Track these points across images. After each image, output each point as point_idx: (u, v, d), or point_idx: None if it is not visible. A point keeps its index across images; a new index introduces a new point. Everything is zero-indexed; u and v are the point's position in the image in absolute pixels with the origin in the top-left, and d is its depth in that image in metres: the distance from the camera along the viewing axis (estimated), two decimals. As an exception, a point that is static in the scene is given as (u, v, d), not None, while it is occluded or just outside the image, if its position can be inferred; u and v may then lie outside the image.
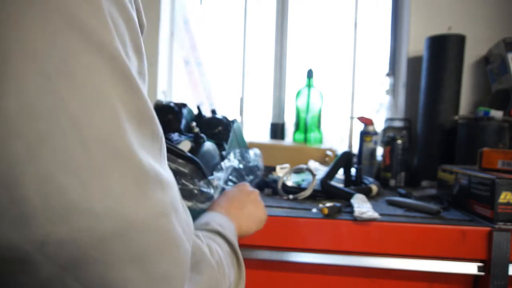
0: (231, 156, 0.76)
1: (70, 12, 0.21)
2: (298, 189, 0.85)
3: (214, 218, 0.51)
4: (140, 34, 0.27)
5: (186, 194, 0.62)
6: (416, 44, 1.21)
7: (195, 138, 0.72)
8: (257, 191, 0.63)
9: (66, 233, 0.20)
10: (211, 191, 0.62)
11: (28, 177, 0.19)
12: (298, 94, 1.24)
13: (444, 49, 1.02)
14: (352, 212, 0.69)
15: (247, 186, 0.63)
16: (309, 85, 1.22)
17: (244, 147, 0.94)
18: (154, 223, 0.22)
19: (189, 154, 0.63)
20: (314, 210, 0.73)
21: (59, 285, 0.21)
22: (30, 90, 0.19)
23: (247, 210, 0.58)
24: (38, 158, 0.19)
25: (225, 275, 0.38)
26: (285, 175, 0.90)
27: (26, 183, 0.19)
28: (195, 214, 0.62)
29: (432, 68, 1.05)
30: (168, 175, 0.26)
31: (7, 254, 0.20)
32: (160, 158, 0.26)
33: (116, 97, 0.22)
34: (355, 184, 0.94)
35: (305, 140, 1.23)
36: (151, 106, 0.26)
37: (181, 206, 0.27)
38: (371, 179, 0.96)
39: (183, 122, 0.88)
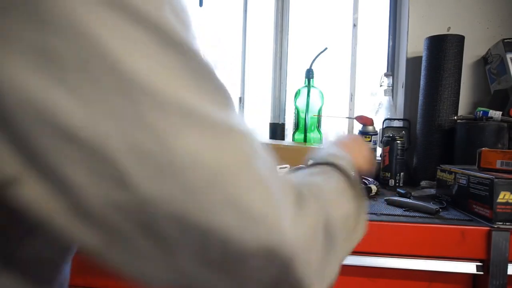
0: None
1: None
2: (297, 189, 0.85)
3: (328, 149, 0.47)
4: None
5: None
6: (415, 44, 1.21)
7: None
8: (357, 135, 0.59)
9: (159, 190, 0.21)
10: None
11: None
12: (297, 93, 1.24)
13: (443, 49, 1.02)
14: (351, 212, 0.69)
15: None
16: (308, 85, 1.22)
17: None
18: (238, 167, 0.23)
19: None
20: (314, 210, 0.73)
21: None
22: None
23: (351, 146, 0.52)
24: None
25: (331, 209, 0.32)
26: (284, 175, 0.90)
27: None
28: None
29: (431, 68, 1.05)
30: (243, 123, 0.25)
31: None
32: (228, 108, 0.25)
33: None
34: (355, 184, 0.94)
35: (305, 140, 1.23)
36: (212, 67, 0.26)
37: (263, 152, 0.26)
38: (370, 179, 0.96)
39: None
